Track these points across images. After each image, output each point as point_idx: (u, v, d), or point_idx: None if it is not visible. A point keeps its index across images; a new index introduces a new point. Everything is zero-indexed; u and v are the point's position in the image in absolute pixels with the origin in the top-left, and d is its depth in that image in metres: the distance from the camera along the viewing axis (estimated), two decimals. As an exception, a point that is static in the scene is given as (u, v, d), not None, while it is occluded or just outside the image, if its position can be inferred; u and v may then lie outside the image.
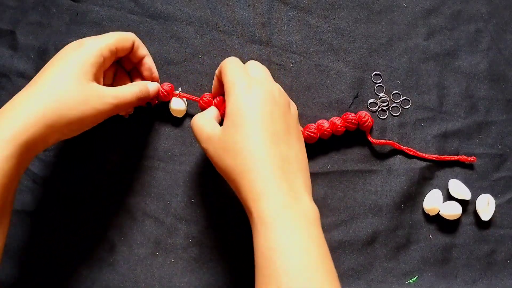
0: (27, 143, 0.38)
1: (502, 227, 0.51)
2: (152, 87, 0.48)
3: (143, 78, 0.49)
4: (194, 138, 0.50)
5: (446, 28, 0.52)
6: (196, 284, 0.49)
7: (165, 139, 0.51)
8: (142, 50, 0.47)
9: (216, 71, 0.45)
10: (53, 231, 0.50)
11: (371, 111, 0.51)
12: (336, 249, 0.50)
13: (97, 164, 0.51)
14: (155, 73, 0.49)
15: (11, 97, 0.51)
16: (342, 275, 0.49)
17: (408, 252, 0.50)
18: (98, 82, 0.43)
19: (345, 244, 0.50)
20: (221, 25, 0.51)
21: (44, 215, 0.50)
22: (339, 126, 0.49)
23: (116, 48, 0.44)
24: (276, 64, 0.51)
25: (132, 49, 0.47)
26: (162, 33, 0.51)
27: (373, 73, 0.52)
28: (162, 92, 0.49)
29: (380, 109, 0.51)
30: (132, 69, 0.49)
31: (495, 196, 0.51)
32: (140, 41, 0.47)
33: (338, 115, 0.51)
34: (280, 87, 0.43)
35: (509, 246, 0.51)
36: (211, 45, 0.51)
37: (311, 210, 0.39)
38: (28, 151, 0.38)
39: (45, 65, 0.43)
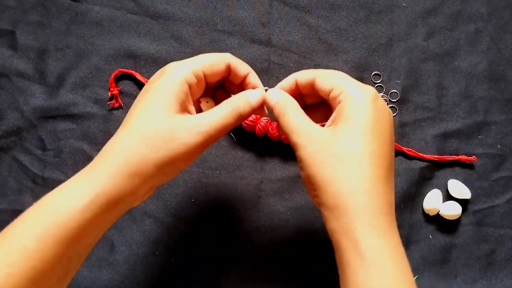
0: (109, 195, 0.33)
1: (502, 227, 0.51)
2: (254, 98, 0.38)
3: None
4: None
5: (446, 28, 0.52)
6: (197, 284, 0.49)
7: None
8: (242, 69, 0.39)
9: (299, 76, 0.39)
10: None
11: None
12: (336, 249, 0.50)
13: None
14: (260, 87, 0.41)
15: (11, 97, 0.51)
16: (342, 275, 0.49)
17: (408, 252, 0.50)
18: (189, 112, 0.37)
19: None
20: (221, 25, 0.51)
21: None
22: None
23: (204, 73, 0.37)
24: (276, 64, 0.51)
25: (229, 71, 0.39)
26: (162, 33, 0.51)
27: (373, 73, 0.52)
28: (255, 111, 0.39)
29: (380, 109, 0.51)
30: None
31: (495, 196, 0.51)
32: (238, 60, 0.40)
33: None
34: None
35: (509, 246, 0.51)
36: (211, 45, 0.51)
37: (402, 247, 0.34)
38: (111, 203, 0.33)
39: (135, 101, 0.37)
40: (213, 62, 0.38)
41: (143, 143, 0.34)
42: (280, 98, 0.38)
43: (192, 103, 0.37)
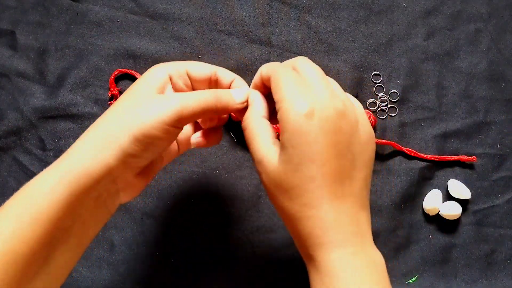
0: (79, 169, 0.32)
1: (502, 227, 0.51)
2: (238, 96, 0.37)
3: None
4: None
5: (446, 28, 0.52)
6: (197, 284, 0.49)
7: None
8: (226, 77, 0.40)
9: (263, 71, 0.37)
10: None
11: (370, 111, 0.51)
12: (336, 249, 0.50)
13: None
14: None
15: (11, 97, 0.51)
16: (342, 275, 0.49)
17: (408, 252, 0.50)
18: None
19: (345, 244, 0.50)
20: (221, 25, 0.51)
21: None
22: None
23: (186, 70, 0.38)
24: (276, 64, 0.51)
25: (216, 82, 0.40)
26: (162, 33, 0.51)
27: (373, 73, 0.52)
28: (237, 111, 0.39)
29: (379, 109, 0.51)
30: None
31: (495, 196, 0.51)
32: (223, 70, 0.40)
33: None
34: (348, 99, 0.36)
35: (509, 246, 0.51)
36: (211, 45, 0.51)
37: (376, 255, 0.34)
38: (82, 180, 0.32)
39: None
40: (197, 63, 0.39)
41: (120, 113, 0.34)
42: (248, 115, 0.37)
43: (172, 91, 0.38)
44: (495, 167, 0.52)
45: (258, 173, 0.35)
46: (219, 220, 0.50)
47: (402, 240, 0.50)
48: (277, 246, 0.50)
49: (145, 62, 0.51)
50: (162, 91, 0.37)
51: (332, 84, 0.37)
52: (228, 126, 0.51)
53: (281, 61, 0.51)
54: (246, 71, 0.51)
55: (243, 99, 0.38)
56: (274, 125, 0.37)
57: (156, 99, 0.35)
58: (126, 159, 0.34)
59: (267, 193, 0.35)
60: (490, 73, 0.52)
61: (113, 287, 0.49)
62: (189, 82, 0.39)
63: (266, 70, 0.37)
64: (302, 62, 0.36)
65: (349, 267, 0.33)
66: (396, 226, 0.50)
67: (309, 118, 0.32)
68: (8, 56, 0.51)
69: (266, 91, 0.38)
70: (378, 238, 0.50)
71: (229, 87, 0.40)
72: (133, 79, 0.51)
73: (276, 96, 0.34)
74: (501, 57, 0.52)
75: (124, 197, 0.36)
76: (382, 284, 0.33)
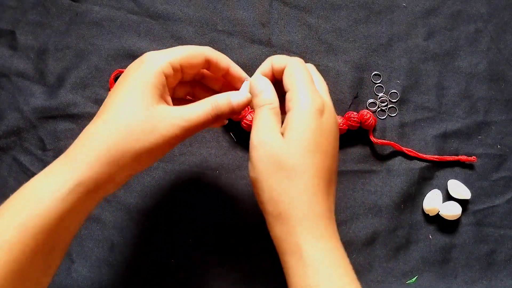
0: (88, 183, 0.34)
1: (502, 227, 0.51)
2: (236, 99, 0.38)
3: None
4: (193, 138, 0.51)
5: (446, 28, 0.52)
6: (196, 284, 0.49)
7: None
8: (223, 62, 0.40)
9: (275, 62, 0.39)
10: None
11: (370, 111, 0.51)
12: (336, 249, 0.50)
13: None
14: (244, 77, 0.41)
15: (11, 97, 0.51)
16: (342, 275, 0.49)
17: (407, 252, 0.50)
18: (166, 102, 0.37)
19: (345, 244, 0.49)
20: (221, 25, 0.51)
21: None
22: (341, 125, 0.49)
23: (180, 66, 0.38)
24: (276, 64, 0.51)
25: (208, 65, 0.40)
26: (162, 33, 0.51)
27: (373, 73, 0.52)
28: (238, 112, 0.39)
29: (379, 109, 0.51)
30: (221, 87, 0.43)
31: (495, 196, 0.51)
32: (218, 53, 0.40)
33: (338, 115, 0.51)
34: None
35: (509, 246, 0.51)
36: (211, 45, 0.51)
37: (342, 247, 0.37)
38: (90, 192, 0.34)
39: (111, 90, 0.38)
40: (191, 54, 0.38)
41: (123, 133, 0.35)
42: (260, 92, 0.38)
43: (168, 93, 0.38)
44: (495, 167, 0.52)
45: (254, 150, 0.36)
46: (219, 220, 0.50)
47: (402, 240, 0.50)
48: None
49: (145, 62, 0.51)
50: (162, 96, 0.37)
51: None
52: (228, 126, 0.51)
53: (281, 61, 0.51)
54: (246, 71, 0.50)
55: (241, 102, 0.38)
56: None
57: (159, 115, 0.35)
58: (128, 174, 0.36)
59: (257, 167, 0.35)
60: (490, 73, 0.52)
61: (113, 287, 0.49)
62: (181, 73, 0.39)
63: (279, 61, 0.39)
64: (312, 70, 0.40)
65: (326, 258, 0.35)
66: (396, 226, 0.50)
67: (320, 116, 0.36)
68: (8, 56, 0.51)
69: (273, 80, 0.39)
70: (378, 238, 0.50)
71: (226, 74, 0.41)
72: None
73: (292, 84, 0.37)
74: (501, 57, 0.52)
75: (112, 191, 0.38)
76: (349, 270, 0.36)
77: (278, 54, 0.51)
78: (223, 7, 0.52)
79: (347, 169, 0.51)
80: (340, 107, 0.51)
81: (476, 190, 0.51)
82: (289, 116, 0.36)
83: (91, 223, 0.50)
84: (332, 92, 0.51)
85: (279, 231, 0.35)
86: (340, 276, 0.35)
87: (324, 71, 0.51)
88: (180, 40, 0.51)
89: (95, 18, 0.51)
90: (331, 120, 0.37)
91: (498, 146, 0.52)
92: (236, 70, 0.41)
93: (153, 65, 0.36)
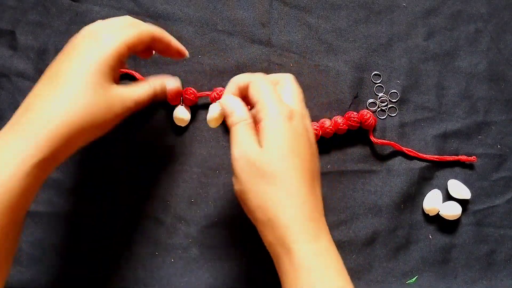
0: (45, 159, 0.35)
1: (502, 227, 0.51)
2: (171, 85, 0.45)
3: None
4: (193, 138, 0.51)
5: (446, 28, 0.52)
6: (196, 284, 0.49)
7: (164, 139, 0.51)
8: (165, 38, 0.43)
9: (239, 81, 0.41)
10: (52, 231, 0.50)
11: (370, 111, 0.51)
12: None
13: (96, 165, 0.51)
14: (184, 52, 0.45)
15: (11, 97, 0.51)
16: (342, 275, 0.50)
17: (407, 252, 0.50)
18: (116, 82, 0.39)
19: (344, 244, 0.50)
20: (221, 25, 0.51)
21: (43, 214, 0.50)
22: (341, 125, 0.49)
23: (134, 45, 0.40)
24: (276, 64, 0.51)
25: (153, 41, 0.42)
26: (162, 33, 0.51)
27: (373, 73, 0.52)
28: (171, 95, 0.47)
29: (379, 109, 0.51)
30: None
31: (495, 196, 0.51)
32: (161, 30, 0.42)
33: (338, 115, 0.51)
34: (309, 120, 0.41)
35: (509, 246, 0.51)
36: (211, 45, 0.51)
37: (334, 247, 0.38)
38: (47, 168, 0.36)
39: (57, 62, 0.38)
40: (142, 33, 0.40)
41: (83, 109, 0.36)
42: (233, 111, 0.40)
43: (119, 73, 0.41)
44: (495, 167, 0.52)
45: (236, 162, 0.37)
46: (219, 220, 0.50)
47: (402, 240, 0.50)
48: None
49: (145, 62, 0.51)
50: (115, 75, 0.39)
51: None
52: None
53: (281, 61, 0.51)
54: (246, 71, 0.51)
55: (173, 89, 0.46)
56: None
57: (113, 96, 0.38)
58: (79, 147, 0.39)
59: (241, 178, 0.37)
60: (490, 73, 0.52)
61: (113, 287, 0.49)
62: (132, 48, 0.40)
63: (243, 80, 0.41)
64: (285, 78, 0.41)
65: (319, 260, 0.35)
66: (396, 226, 0.50)
67: (290, 120, 0.37)
68: (8, 56, 0.51)
69: (240, 97, 0.41)
70: (378, 238, 0.50)
71: (167, 47, 0.44)
72: (133, 79, 0.51)
73: (257, 99, 0.38)
74: (501, 57, 0.52)
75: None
76: (343, 275, 0.36)
77: (278, 54, 0.51)
78: (223, 7, 0.52)
79: (347, 169, 0.51)
80: (340, 107, 0.51)
81: (476, 190, 0.51)
82: (261, 126, 0.38)
83: (91, 223, 0.50)
84: (332, 92, 0.51)
85: (270, 237, 0.37)
86: (333, 277, 0.35)
87: (324, 71, 0.51)
88: (180, 40, 0.51)
89: (95, 18, 0.51)
90: (301, 124, 0.38)
91: (498, 146, 0.52)
92: (175, 43, 0.44)
93: (111, 47, 0.38)
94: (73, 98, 0.36)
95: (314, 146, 0.40)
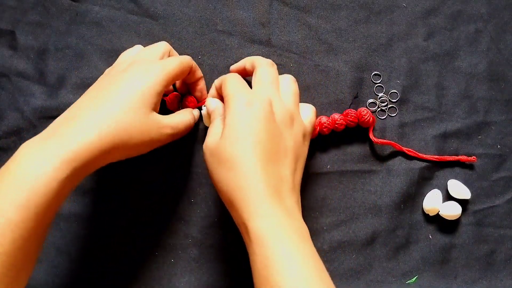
0: (80, 167, 0.37)
1: (502, 227, 0.51)
2: (197, 114, 0.49)
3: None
4: (193, 138, 0.51)
5: (446, 28, 0.52)
6: (196, 284, 0.49)
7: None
8: (198, 73, 0.48)
9: (216, 83, 0.46)
10: (52, 231, 0.50)
11: (370, 111, 0.51)
12: (336, 249, 0.50)
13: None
14: (205, 95, 0.49)
15: (11, 97, 0.51)
16: (342, 275, 0.49)
17: (407, 252, 0.50)
18: (156, 110, 0.42)
19: (344, 244, 0.50)
20: (221, 25, 0.51)
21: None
22: (338, 120, 0.49)
23: (177, 76, 0.44)
24: (276, 64, 0.51)
25: (189, 73, 0.46)
26: (162, 33, 0.51)
27: (373, 73, 0.52)
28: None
29: (379, 109, 0.51)
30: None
31: (495, 196, 0.51)
32: (196, 64, 0.47)
33: (336, 113, 0.51)
34: (285, 104, 0.42)
35: (509, 246, 0.51)
36: (211, 45, 0.51)
37: (304, 228, 0.39)
38: (78, 174, 0.37)
39: (105, 83, 0.42)
40: (184, 64, 0.44)
41: (123, 129, 0.39)
42: (213, 109, 0.44)
43: (160, 101, 0.43)
44: (495, 167, 0.52)
45: (204, 153, 0.41)
46: (219, 220, 0.50)
47: (402, 240, 0.50)
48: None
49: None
50: (157, 104, 0.42)
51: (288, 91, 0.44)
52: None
53: (281, 61, 0.51)
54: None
55: (198, 116, 0.49)
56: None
57: (152, 122, 0.41)
58: (111, 161, 0.40)
59: (209, 168, 0.41)
60: (490, 73, 0.52)
61: (113, 287, 0.49)
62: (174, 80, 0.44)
63: (219, 81, 0.45)
64: (282, 76, 0.45)
65: (276, 235, 0.36)
66: (396, 226, 0.50)
67: (247, 106, 0.39)
68: (8, 56, 0.51)
69: (220, 97, 0.45)
70: (378, 238, 0.50)
71: (196, 81, 0.48)
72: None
73: (224, 93, 0.42)
74: (501, 57, 0.52)
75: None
76: (307, 250, 0.37)
77: (278, 54, 0.51)
78: (223, 7, 0.52)
79: (347, 169, 0.51)
80: (340, 107, 0.51)
81: (476, 190, 0.51)
82: (225, 116, 0.41)
83: (91, 223, 0.50)
84: (332, 92, 0.51)
85: (236, 220, 0.39)
86: (287, 246, 0.36)
87: (324, 71, 0.51)
88: (180, 40, 0.51)
89: (95, 18, 0.51)
90: (262, 110, 0.39)
91: (498, 146, 0.52)
92: (203, 82, 0.49)
93: (160, 77, 0.41)
94: (115, 117, 0.39)
95: (278, 127, 0.40)
